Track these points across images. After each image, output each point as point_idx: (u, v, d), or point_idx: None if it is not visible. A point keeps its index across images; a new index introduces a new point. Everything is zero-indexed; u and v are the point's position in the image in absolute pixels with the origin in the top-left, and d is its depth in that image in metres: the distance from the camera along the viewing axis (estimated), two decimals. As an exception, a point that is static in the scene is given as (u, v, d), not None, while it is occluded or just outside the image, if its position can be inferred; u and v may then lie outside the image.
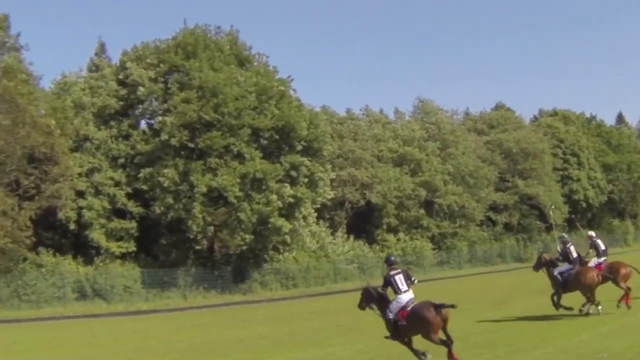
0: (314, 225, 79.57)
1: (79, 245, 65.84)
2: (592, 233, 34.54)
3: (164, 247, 69.43)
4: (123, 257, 66.72)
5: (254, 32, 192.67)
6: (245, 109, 67.06)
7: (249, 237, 66.86)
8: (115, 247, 66.05)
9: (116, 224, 66.21)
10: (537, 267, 32.58)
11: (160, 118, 67.88)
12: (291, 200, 68.60)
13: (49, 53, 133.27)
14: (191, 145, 66.12)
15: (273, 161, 69.14)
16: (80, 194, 64.05)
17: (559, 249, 33.59)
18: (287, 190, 67.90)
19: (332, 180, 79.87)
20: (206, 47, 71.16)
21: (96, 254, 65.52)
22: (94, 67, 74.73)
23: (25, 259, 59.91)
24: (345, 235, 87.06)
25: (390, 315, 22.43)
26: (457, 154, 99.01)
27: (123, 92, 70.54)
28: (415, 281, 22.93)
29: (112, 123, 69.47)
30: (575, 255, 31.48)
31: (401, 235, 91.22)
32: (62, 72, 74.72)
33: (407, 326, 21.81)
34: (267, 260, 72.79)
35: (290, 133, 70.25)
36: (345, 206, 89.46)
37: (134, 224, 66.97)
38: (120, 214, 67.09)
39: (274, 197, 66.63)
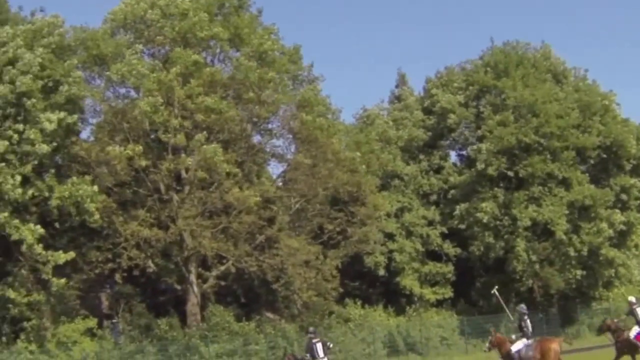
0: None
1: (388, 294, 62.47)
2: (633, 299, 33.18)
3: (481, 291, 64.21)
4: (438, 304, 62.96)
5: (563, 45, 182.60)
6: (568, 127, 61.64)
7: (579, 273, 61.71)
8: (429, 293, 62.45)
9: (431, 267, 62.58)
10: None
11: (474, 146, 63.65)
12: (622, 227, 62.79)
13: (344, 88, 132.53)
14: (510, 173, 61.32)
15: (602, 185, 63.99)
16: (390, 237, 60.62)
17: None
18: (618, 216, 62.14)
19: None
20: (519, 63, 66.34)
21: (408, 303, 61.74)
22: (395, 100, 71.36)
23: (331, 313, 56.71)
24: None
25: None
26: None
27: (430, 121, 67.24)
28: (331, 345, 27.75)
29: (421, 156, 66.05)
30: (530, 329, 31.31)
31: None
32: (362, 105, 72.39)
33: None
34: (597, 299, 67.19)
35: (618, 152, 64.42)
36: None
37: (450, 267, 63.05)
38: (435, 256, 63.30)
39: (604, 225, 61.19)
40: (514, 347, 30.67)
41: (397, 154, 64.08)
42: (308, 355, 28.09)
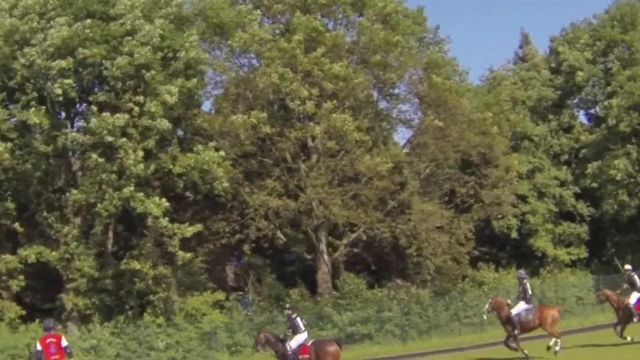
0: None
1: (519, 257, 55.13)
2: (629, 267, 30.56)
3: (616, 250, 56.55)
4: (572, 264, 55.50)
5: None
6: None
7: None
8: (563, 254, 55.12)
9: (564, 228, 55.35)
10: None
11: (604, 103, 55.98)
12: None
13: (464, 50, 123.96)
14: (643, 129, 54.03)
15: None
16: (522, 198, 53.46)
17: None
18: None
19: None
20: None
21: (540, 264, 54.42)
22: (519, 60, 64.02)
23: (464, 277, 50.61)
24: None
25: (289, 352, 24.10)
26: None
27: (558, 80, 59.19)
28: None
29: (550, 116, 58.48)
30: (530, 293, 28.43)
31: None
32: (489, 66, 65.61)
33: (311, 359, 23.70)
34: None
35: None
36: None
37: (584, 227, 55.66)
38: (568, 216, 55.98)
39: None
40: (514, 310, 27.75)
41: (525, 115, 56.92)
42: (290, 331, 24.79)
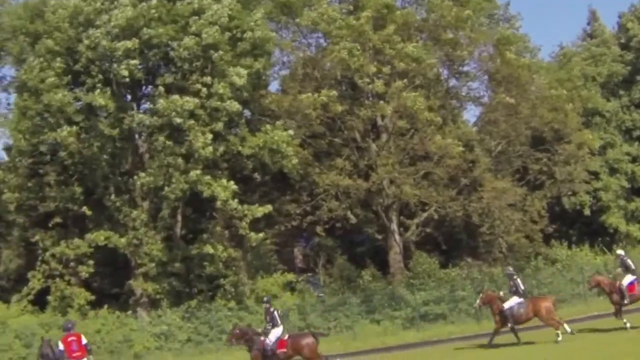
0: None
1: (591, 233, 51.56)
2: (621, 252, 29.18)
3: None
4: (647, 241, 52.13)
5: None
6: None
7: None
8: (636, 230, 51.30)
9: (637, 204, 51.80)
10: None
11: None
12: None
13: (534, 27, 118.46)
14: None
15: None
16: (594, 175, 49.84)
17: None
18: None
19: None
20: None
21: (612, 241, 50.40)
22: (588, 37, 59.57)
23: (537, 255, 47.00)
24: None
25: (268, 346, 23.27)
26: None
27: (628, 57, 55.07)
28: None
29: (621, 92, 54.52)
30: (522, 287, 27.55)
31: None
32: (558, 43, 63.05)
33: (288, 352, 23.35)
34: None
35: None
36: None
37: (657, 204, 52.26)
38: (640, 192, 52.68)
39: None
40: (507, 304, 27.12)
41: (596, 91, 53.09)
42: (270, 325, 24.00)
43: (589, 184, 48.50)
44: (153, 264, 38.09)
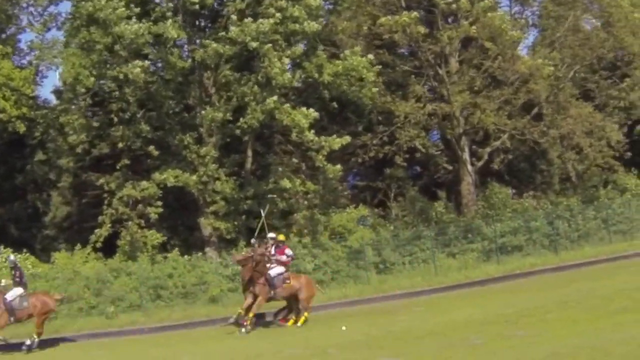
0: None
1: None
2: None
3: None
4: None
5: None
6: None
7: None
8: None
9: None
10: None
11: None
12: None
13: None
14: None
15: None
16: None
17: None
18: None
19: None
20: None
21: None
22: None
23: (606, 183, 46.16)
24: None
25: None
26: None
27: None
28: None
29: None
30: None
31: None
32: None
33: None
34: None
35: None
36: None
37: None
38: None
39: None
40: (8, 296, 23.68)
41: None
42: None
43: None
44: (224, 202, 36.44)
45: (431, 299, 30.98)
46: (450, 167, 43.42)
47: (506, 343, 16.94)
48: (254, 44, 32.85)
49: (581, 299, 23.22)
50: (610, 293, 23.42)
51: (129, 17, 32.96)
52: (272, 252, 26.11)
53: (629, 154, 44.54)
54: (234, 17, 33.88)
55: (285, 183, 35.75)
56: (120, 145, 36.62)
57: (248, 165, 38.91)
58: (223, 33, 34.22)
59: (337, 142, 34.97)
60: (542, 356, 14.73)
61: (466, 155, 41.81)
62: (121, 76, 33.82)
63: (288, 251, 26.83)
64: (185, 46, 36.15)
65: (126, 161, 36.92)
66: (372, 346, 19.11)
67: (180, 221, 40.87)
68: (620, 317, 18.21)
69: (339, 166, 36.15)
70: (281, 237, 27.28)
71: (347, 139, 35.65)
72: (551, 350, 15.06)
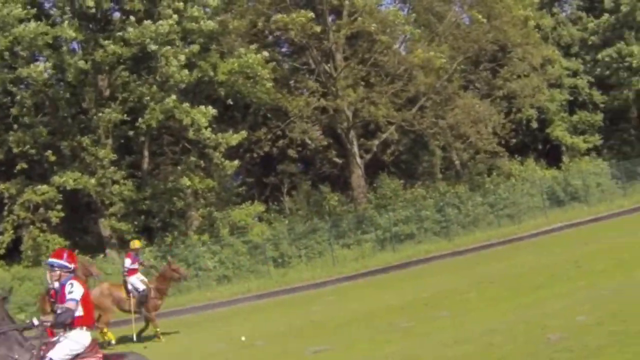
0: None
1: (537, 148, 56.89)
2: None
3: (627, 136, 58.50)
4: (588, 152, 55.85)
5: None
6: None
7: None
8: (580, 142, 55.37)
9: (580, 116, 56.04)
10: None
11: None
12: None
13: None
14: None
15: None
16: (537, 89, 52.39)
17: None
18: None
19: None
20: None
21: (557, 154, 55.76)
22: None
23: (490, 170, 50.86)
24: None
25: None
26: None
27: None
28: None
29: (555, 9, 58.18)
30: None
31: None
32: None
33: None
34: None
35: None
36: None
37: (599, 115, 56.07)
38: (583, 106, 56.46)
39: None
40: None
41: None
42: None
43: (534, 98, 50.91)
44: (122, 203, 38.83)
45: (337, 289, 33.75)
46: (340, 161, 47.05)
47: (436, 324, 18.22)
48: (153, 47, 35.90)
49: (493, 279, 25.28)
50: (518, 272, 25.79)
51: (26, 20, 35.22)
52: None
53: (514, 140, 49.59)
54: (132, 18, 36.63)
55: (185, 181, 38.62)
56: (15, 150, 38.43)
57: (145, 165, 41.51)
58: (120, 34, 36.97)
59: (234, 138, 38.33)
60: (478, 333, 15.70)
61: (355, 149, 45.61)
62: (24, 74, 35.99)
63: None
64: (80, 48, 38.68)
65: (24, 165, 38.77)
66: (299, 336, 20.21)
67: (80, 224, 43.03)
68: (541, 293, 19.90)
69: (236, 162, 39.36)
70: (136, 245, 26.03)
71: (244, 134, 39.00)
72: (487, 327, 16.22)
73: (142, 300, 23.77)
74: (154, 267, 28.17)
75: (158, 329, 23.75)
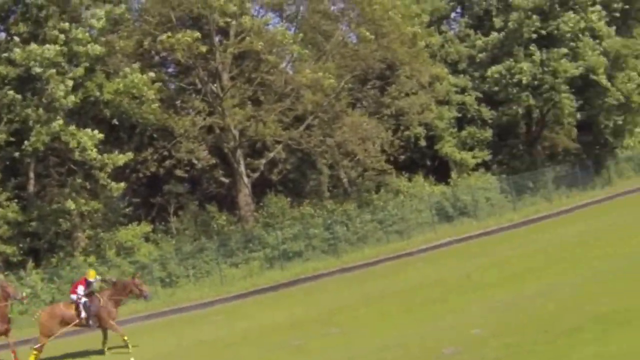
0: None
1: (427, 165, 58.11)
2: None
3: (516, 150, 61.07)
4: (477, 168, 57.26)
5: None
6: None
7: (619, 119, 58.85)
8: (469, 157, 56.72)
9: (469, 132, 57.45)
10: None
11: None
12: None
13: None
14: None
15: (626, 35, 59.38)
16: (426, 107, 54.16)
17: None
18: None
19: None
20: None
21: (446, 170, 56.74)
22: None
23: (379, 188, 52.15)
24: None
25: None
26: None
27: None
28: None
29: (444, 28, 60.14)
30: None
31: None
32: None
33: None
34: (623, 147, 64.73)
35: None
36: None
37: (488, 132, 57.76)
38: (472, 122, 57.96)
39: (634, 74, 57.86)
40: None
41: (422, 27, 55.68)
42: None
43: (421, 115, 52.17)
44: (7, 226, 39.41)
45: (225, 308, 35.23)
46: (227, 180, 48.24)
47: (327, 341, 19.08)
48: (38, 70, 36.85)
49: (384, 295, 26.57)
50: (409, 287, 27.06)
51: None
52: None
53: (402, 157, 51.43)
54: (16, 38, 37.61)
55: (70, 204, 39.51)
56: None
57: (31, 187, 42.23)
58: (5, 54, 37.89)
59: (120, 158, 39.64)
60: (372, 350, 16.49)
61: (242, 168, 47.09)
62: None
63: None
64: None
65: None
66: (188, 357, 21.20)
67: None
68: (433, 307, 20.95)
69: (122, 184, 40.65)
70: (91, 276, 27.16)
71: (130, 155, 40.31)
72: (381, 343, 16.97)
73: (94, 312, 25.49)
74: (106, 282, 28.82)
75: (125, 337, 25.24)
